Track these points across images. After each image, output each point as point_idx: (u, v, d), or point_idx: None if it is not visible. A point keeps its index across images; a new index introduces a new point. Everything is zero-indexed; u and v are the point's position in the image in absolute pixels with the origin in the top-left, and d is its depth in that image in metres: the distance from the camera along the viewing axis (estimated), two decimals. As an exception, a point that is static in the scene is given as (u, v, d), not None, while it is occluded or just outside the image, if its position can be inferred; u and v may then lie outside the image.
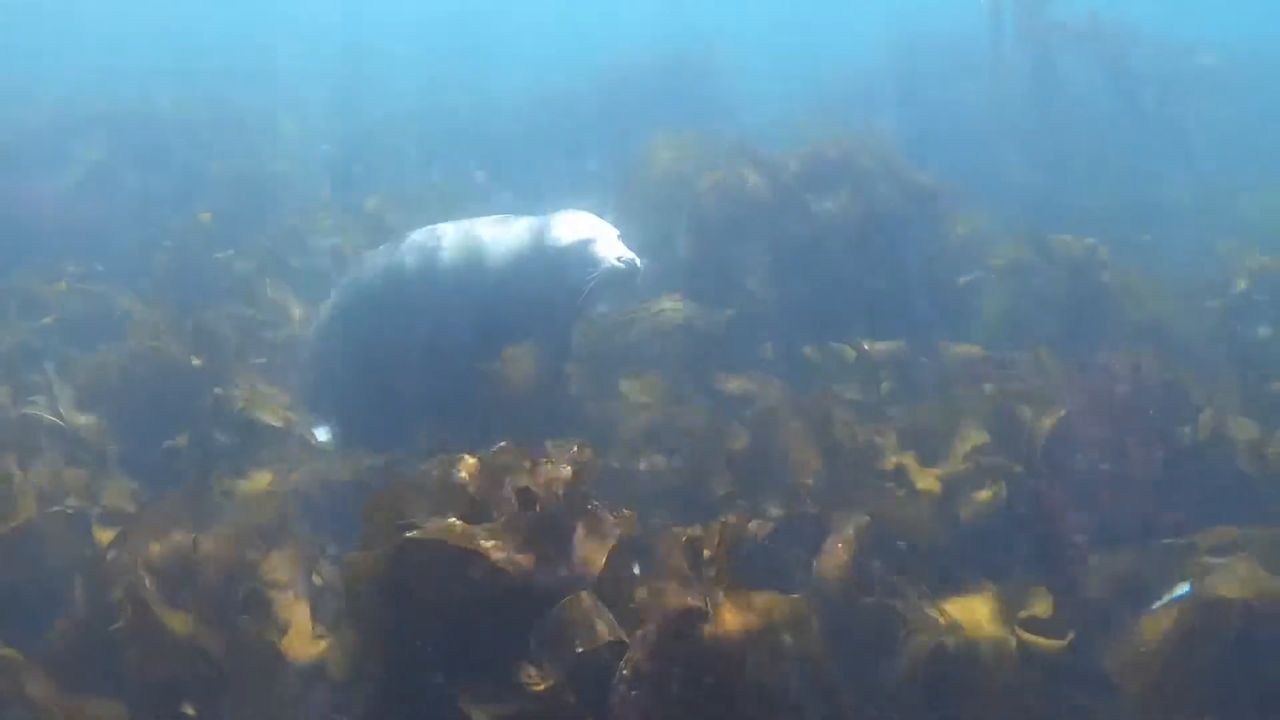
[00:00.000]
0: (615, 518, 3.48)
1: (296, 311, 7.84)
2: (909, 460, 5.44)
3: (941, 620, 4.35)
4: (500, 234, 5.81)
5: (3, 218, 9.65)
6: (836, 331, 7.16)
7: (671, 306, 6.92)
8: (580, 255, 5.49)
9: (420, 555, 3.34)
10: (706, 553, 3.28)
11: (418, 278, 5.92)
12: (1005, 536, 5.24)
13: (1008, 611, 4.56)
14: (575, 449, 3.63)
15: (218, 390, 6.24)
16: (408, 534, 3.30)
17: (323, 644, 4.20)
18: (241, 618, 4.09)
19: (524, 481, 3.46)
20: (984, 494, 5.39)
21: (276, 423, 6.16)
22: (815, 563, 4.39)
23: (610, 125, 13.15)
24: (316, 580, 4.55)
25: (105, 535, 4.76)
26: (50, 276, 8.32)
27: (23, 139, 12.03)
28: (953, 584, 4.67)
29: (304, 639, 4.20)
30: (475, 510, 3.47)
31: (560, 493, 3.45)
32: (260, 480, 5.42)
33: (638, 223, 8.33)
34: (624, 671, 3.12)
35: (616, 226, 5.84)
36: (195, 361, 6.55)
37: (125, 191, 11.06)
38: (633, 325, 7.01)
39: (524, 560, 3.31)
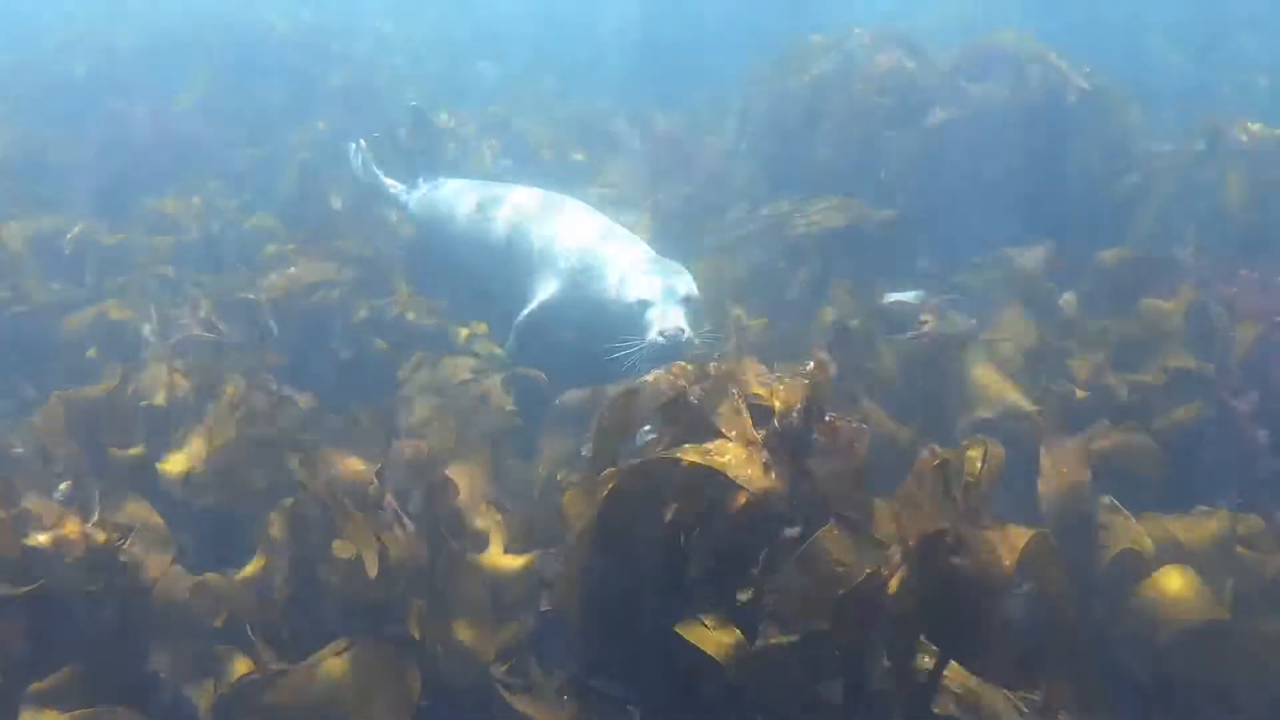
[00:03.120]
0: (855, 432, 3.25)
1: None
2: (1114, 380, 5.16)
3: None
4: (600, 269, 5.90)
5: (122, 140, 9.58)
6: (995, 234, 6.84)
7: (826, 207, 6.64)
8: (634, 317, 5.43)
9: (648, 474, 3.16)
10: (968, 478, 3.05)
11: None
12: (1205, 452, 4.96)
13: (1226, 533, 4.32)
14: (810, 363, 3.38)
15: (375, 302, 6.27)
16: (642, 457, 3.12)
17: (516, 560, 4.13)
18: (444, 535, 3.98)
19: (758, 394, 3.25)
20: (1182, 410, 5.11)
21: (431, 324, 6.28)
22: (1040, 485, 4.15)
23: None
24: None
25: (295, 458, 4.68)
26: (180, 196, 8.22)
27: (135, 60, 11.98)
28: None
29: (499, 551, 4.13)
30: (704, 427, 3.27)
31: (797, 407, 3.23)
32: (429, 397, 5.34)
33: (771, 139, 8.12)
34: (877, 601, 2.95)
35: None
36: (342, 274, 6.44)
37: (242, 109, 10.95)
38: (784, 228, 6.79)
39: (760, 481, 3.11)
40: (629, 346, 5.24)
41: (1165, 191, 7.39)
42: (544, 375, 5.58)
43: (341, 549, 3.90)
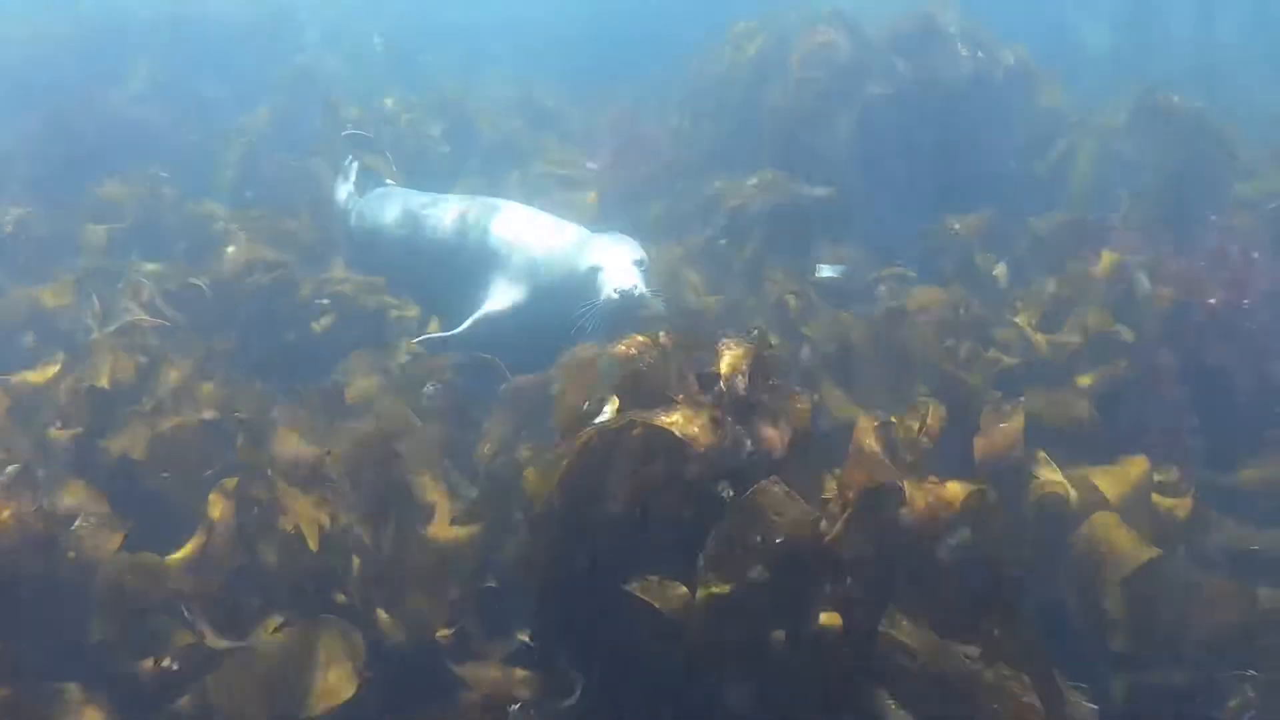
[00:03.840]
0: (798, 397, 3.39)
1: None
2: (1040, 340, 5.36)
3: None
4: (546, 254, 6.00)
5: (68, 128, 9.47)
6: (927, 206, 7.00)
7: (761, 183, 6.76)
8: (588, 283, 5.57)
9: (604, 438, 3.27)
10: (905, 434, 3.18)
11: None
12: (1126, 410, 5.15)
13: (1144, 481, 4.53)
14: (755, 331, 3.51)
15: (312, 283, 6.28)
16: (595, 420, 3.22)
17: (464, 530, 4.21)
18: (392, 507, 4.05)
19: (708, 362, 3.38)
20: (1105, 368, 5.33)
21: (372, 306, 6.29)
22: (976, 444, 4.31)
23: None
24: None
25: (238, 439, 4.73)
26: (123, 183, 8.16)
27: (78, 49, 11.85)
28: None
29: (445, 523, 4.20)
30: (656, 395, 3.39)
31: (741, 372, 3.37)
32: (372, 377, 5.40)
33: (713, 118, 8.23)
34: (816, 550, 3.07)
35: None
36: (278, 257, 6.47)
37: (184, 96, 10.88)
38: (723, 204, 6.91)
39: (706, 439, 3.22)
40: (584, 313, 5.37)
41: (1091, 158, 7.59)
42: (497, 360, 5.60)
43: (286, 523, 3.97)
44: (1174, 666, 3.94)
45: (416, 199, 6.89)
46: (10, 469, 4.04)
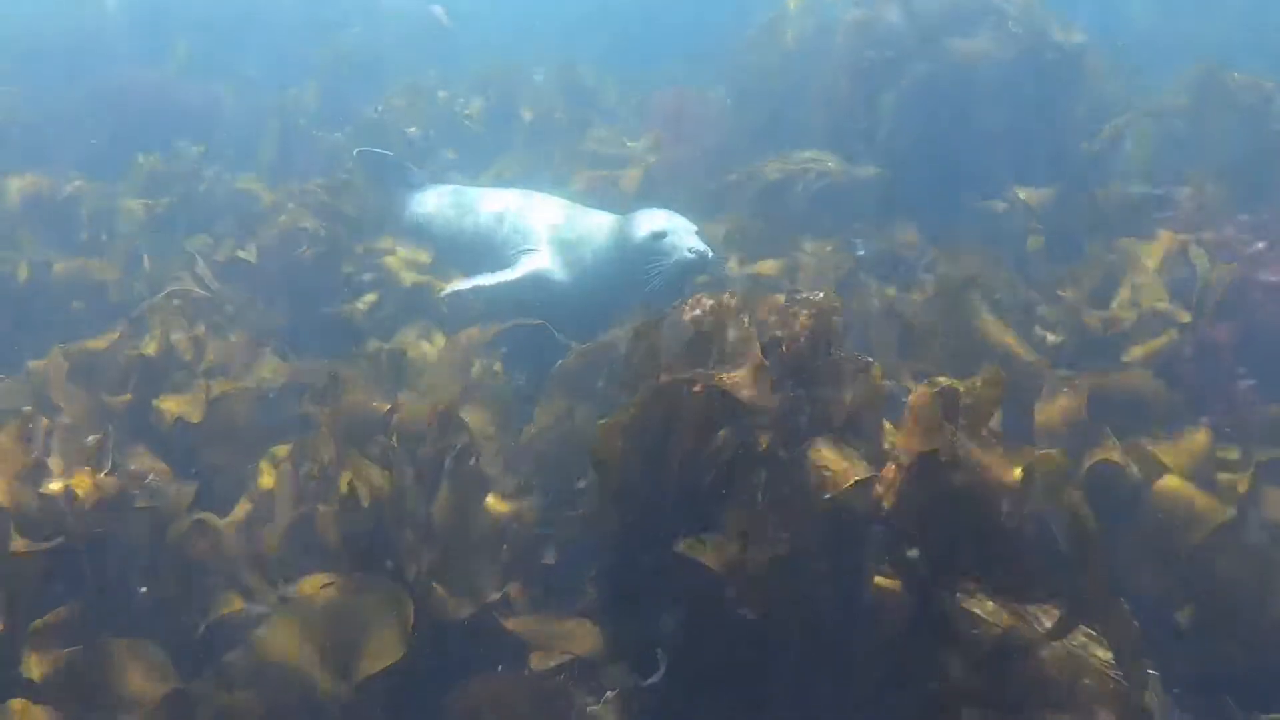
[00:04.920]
0: (861, 363, 3.37)
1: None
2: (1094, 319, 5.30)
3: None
4: (588, 231, 6.01)
5: (111, 104, 9.59)
6: (983, 183, 6.94)
7: (813, 157, 6.71)
8: (654, 248, 5.55)
9: (669, 394, 3.26)
10: (964, 401, 3.14)
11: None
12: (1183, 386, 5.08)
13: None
14: (820, 294, 3.48)
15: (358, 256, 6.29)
16: (660, 377, 3.21)
17: (519, 502, 4.22)
18: (445, 475, 4.04)
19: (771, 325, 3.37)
20: (1156, 341, 5.28)
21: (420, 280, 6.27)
22: (1037, 415, 4.26)
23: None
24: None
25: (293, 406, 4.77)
26: (166, 159, 8.22)
27: (117, 28, 11.94)
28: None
29: (500, 494, 4.20)
30: (720, 355, 3.39)
31: (803, 336, 3.35)
32: (436, 341, 5.42)
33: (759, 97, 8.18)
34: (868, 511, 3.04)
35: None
36: (327, 229, 6.49)
37: (226, 74, 10.94)
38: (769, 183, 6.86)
39: (766, 401, 3.21)
40: (655, 275, 5.40)
41: (1148, 138, 7.49)
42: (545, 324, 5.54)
43: (342, 482, 3.97)
44: (1243, 643, 3.86)
45: (454, 195, 6.88)
46: (91, 439, 4.06)
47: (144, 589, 3.85)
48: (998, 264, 5.85)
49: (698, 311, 3.43)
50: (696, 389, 3.29)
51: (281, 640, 3.65)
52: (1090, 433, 4.34)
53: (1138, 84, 8.46)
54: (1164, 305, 5.49)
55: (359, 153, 7.44)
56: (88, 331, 5.66)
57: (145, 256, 6.60)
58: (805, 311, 3.39)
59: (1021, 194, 6.53)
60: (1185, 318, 5.39)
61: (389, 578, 3.79)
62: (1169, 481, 4.16)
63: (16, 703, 3.40)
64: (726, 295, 3.50)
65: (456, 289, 5.95)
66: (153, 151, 8.23)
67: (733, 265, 6.24)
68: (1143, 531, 4.10)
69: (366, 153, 7.39)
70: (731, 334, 3.39)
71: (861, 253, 6.27)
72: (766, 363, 3.32)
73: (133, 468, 4.19)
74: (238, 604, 3.82)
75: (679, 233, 5.58)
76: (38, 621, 3.64)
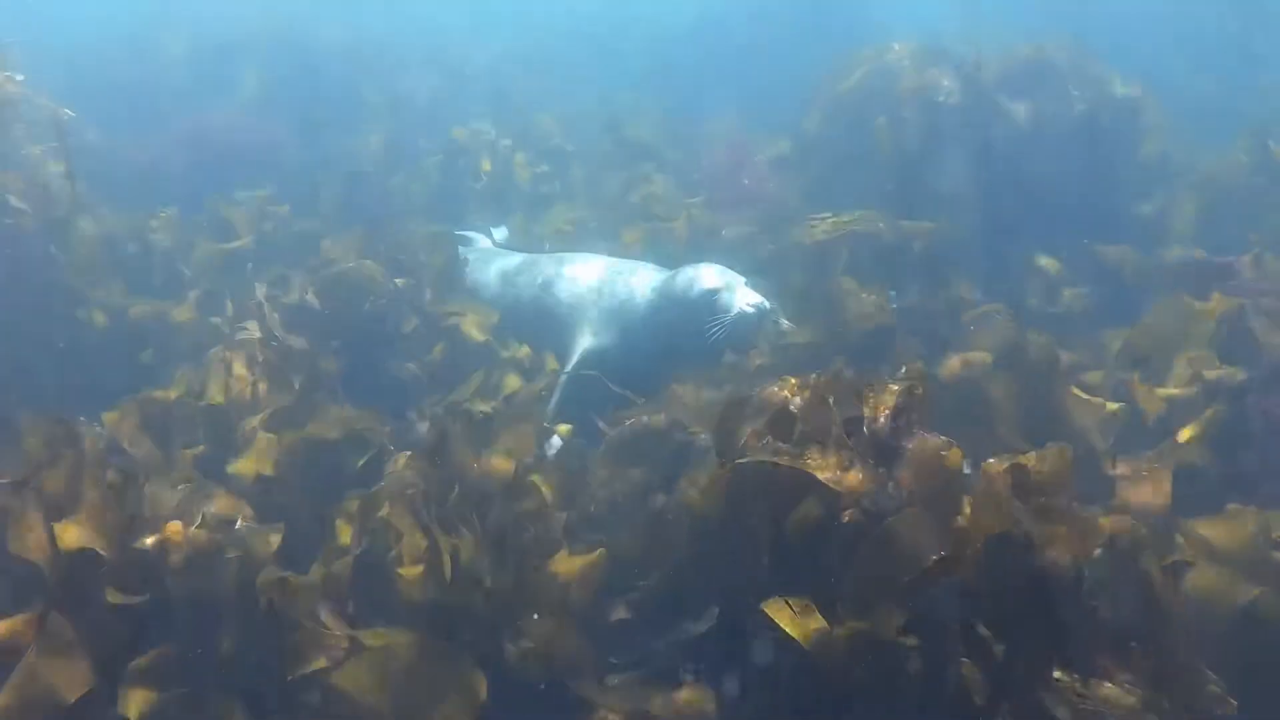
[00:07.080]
0: (942, 444, 3.45)
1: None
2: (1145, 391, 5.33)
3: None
4: (633, 292, 6.16)
5: (182, 143, 9.88)
6: (1034, 242, 7.00)
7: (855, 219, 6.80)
8: (710, 305, 5.67)
9: (755, 473, 3.37)
10: (1038, 476, 3.22)
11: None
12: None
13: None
14: (904, 370, 3.60)
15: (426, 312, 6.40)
16: (738, 459, 3.32)
17: (580, 560, 4.27)
18: (513, 541, 4.12)
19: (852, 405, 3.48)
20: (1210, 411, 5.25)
21: (481, 338, 6.39)
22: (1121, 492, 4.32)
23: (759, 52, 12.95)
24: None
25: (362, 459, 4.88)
26: (237, 200, 8.44)
27: (183, 67, 12.29)
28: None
29: (566, 555, 4.26)
30: (803, 435, 3.50)
31: (887, 417, 3.45)
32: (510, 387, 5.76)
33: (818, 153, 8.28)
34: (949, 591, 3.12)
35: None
36: (398, 282, 6.62)
37: (289, 115, 11.21)
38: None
39: (851, 480, 3.32)
40: (716, 330, 5.54)
41: (1201, 202, 7.51)
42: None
43: (410, 549, 4.07)
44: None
45: (501, 261, 7.07)
46: (181, 487, 4.19)
47: (231, 638, 3.92)
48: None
49: (784, 392, 3.54)
50: (784, 468, 3.40)
51: (356, 681, 3.75)
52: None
53: (1188, 144, 8.48)
54: (1216, 370, 5.46)
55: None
56: (161, 376, 5.86)
57: (228, 301, 6.74)
58: (888, 390, 3.49)
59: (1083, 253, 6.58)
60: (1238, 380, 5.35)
61: (464, 646, 3.86)
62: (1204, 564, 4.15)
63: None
64: (813, 377, 3.62)
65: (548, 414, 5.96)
66: (226, 193, 8.47)
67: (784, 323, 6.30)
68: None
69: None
70: (815, 416, 3.49)
71: (894, 305, 6.26)
72: (850, 443, 3.42)
73: (215, 510, 4.27)
74: (322, 661, 3.88)
75: (733, 288, 5.72)
76: (140, 660, 3.74)
